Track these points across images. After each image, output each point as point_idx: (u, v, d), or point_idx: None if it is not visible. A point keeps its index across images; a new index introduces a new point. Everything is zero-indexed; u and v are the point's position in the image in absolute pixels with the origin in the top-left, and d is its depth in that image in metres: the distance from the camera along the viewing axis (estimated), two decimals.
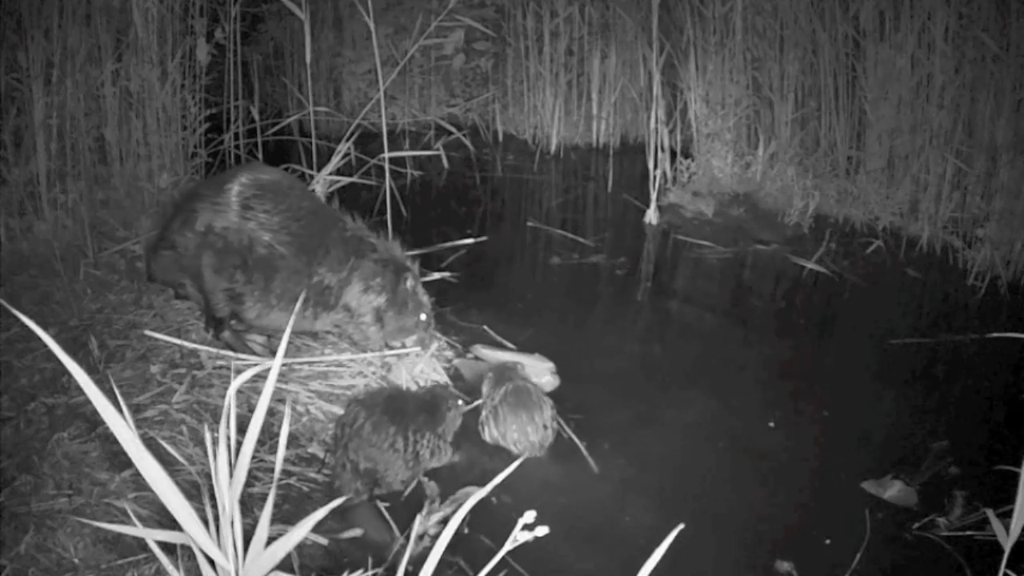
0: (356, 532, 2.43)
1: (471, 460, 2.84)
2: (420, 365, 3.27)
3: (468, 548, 2.37)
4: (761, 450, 2.94)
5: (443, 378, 3.28)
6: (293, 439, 2.80)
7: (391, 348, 3.37)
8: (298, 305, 3.05)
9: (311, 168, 4.45)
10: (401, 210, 4.38)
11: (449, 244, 4.48)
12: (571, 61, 6.38)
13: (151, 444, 2.44)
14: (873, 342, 3.78)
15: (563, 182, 6.02)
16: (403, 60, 5.02)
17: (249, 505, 2.43)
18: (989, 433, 3.08)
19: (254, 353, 3.23)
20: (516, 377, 2.96)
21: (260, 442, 2.65)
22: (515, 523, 1.38)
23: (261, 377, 2.84)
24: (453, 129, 5.73)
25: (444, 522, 2.43)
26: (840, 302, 4.22)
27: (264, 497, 2.46)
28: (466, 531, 2.43)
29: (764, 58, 5.20)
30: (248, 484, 2.49)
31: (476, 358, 3.41)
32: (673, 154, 5.32)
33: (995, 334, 3.44)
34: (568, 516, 2.53)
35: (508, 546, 1.36)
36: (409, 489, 2.64)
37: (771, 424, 3.06)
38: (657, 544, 1.24)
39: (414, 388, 3.14)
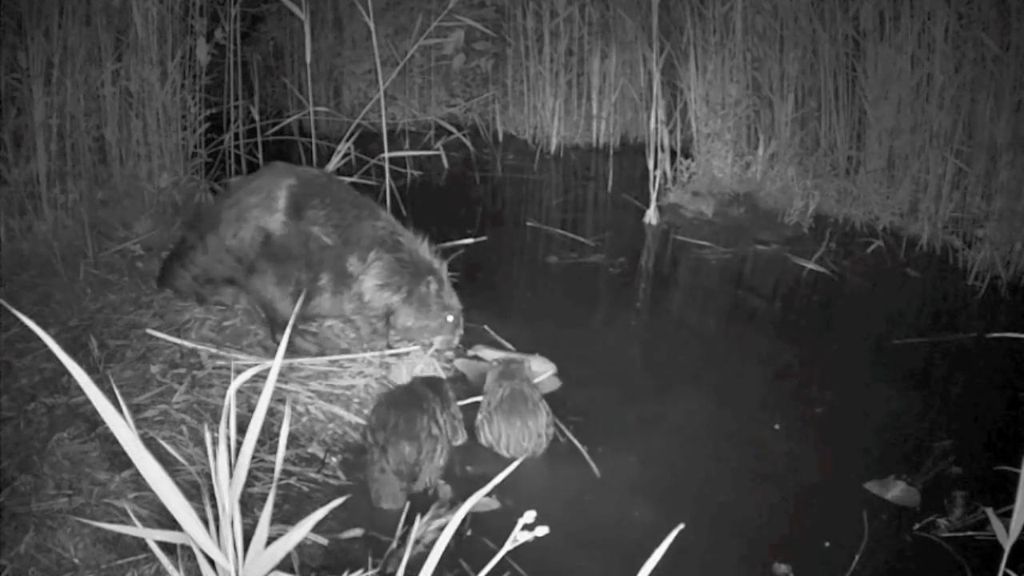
0: (356, 532, 2.43)
1: (475, 462, 2.84)
2: (420, 365, 3.27)
3: (469, 549, 2.38)
4: (762, 451, 2.93)
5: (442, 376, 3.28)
6: (293, 439, 2.80)
7: (391, 348, 3.37)
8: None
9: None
10: (401, 210, 4.38)
11: (449, 244, 4.48)
12: (571, 61, 6.38)
13: (151, 444, 2.44)
14: (873, 342, 3.78)
15: (563, 182, 6.02)
16: (403, 60, 5.02)
17: (249, 505, 2.43)
18: (991, 433, 3.08)
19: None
20: (518, 377, 2.95)
21: (260, 442, 2.65)
22: (516, 525, 1.38)
23: (261, 377, 2.83)
24: (453, 129, 5.73)
25: (442, 528, 2.42)
26: (840, 302, 4.22)
27: (264, 497, 2.46)
28: (468, 534, 2.43)
29: (764, 58, 5.20)
30: (248, 484, 2.48)
31: (477, 357, 3.41)
32: (673, 154, 5.32)
33: (995, 334, 3.44)
34: (568, 518, 2.52)
35: (508, 546, 1.36)
36: (433, 484, 2.65)
37: (776, 427, 3.06)
38: (657, 545, 1.24)
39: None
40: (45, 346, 1.15)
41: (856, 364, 3.59)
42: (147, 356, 3.07)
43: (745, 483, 2.78)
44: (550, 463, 2.84)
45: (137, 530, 1.28)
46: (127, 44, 4.21)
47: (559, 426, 2.96)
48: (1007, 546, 1.62)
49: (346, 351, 3.30)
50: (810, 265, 4.50)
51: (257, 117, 4.68)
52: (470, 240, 4.58)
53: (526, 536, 1.37)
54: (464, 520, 2.41)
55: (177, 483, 1.19)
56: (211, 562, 1.25)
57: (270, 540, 1.24)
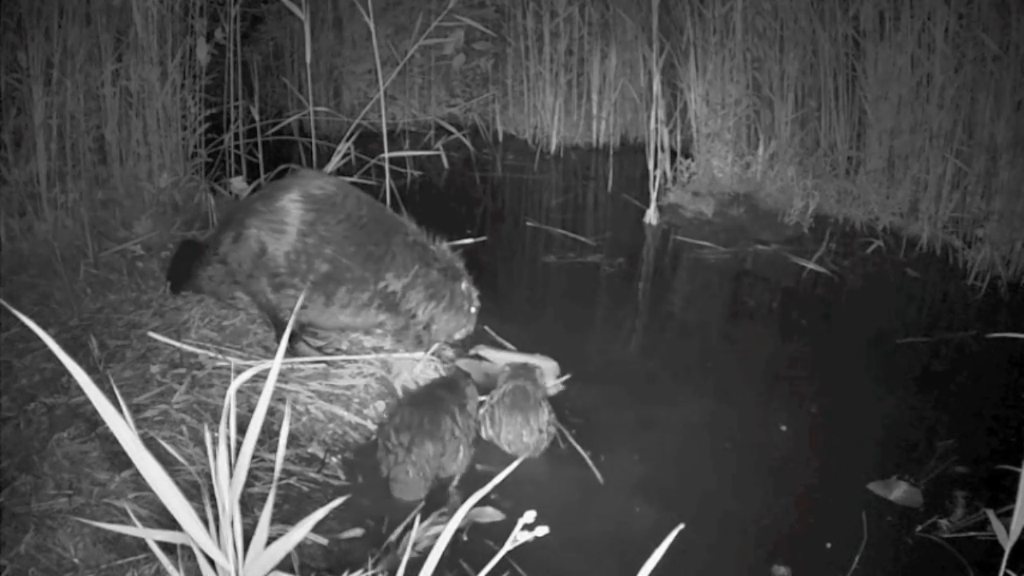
0: (356, 532, 2.43)
1: (480, 462, 2.84)
2: (419, 365, 3.27)
3: (469, 549, 2.38)
4: (763, 451, 2.93)
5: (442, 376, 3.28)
6: (293, 439, 2.80)
7: (392, 348, 3.37)
8: (363, 305, 3.16)
9: (311, 168, 4.44)
10: (401, 210, 4.37)
11: (449, 244, 4.48)
12: (571, 61, 6.38)
13: (151, 444, 2.44)
14: (873, 342, 3.78)
15: (563, 182, 6.02)
16: (403, 60, 5.02)
17: (249, 505, 2.43)
18: (992, 433, 3.08)
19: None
20: (527, 379, 2.97)
21: (260, 442, 2.65)
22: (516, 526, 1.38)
23: (261, 377, 2.84)
24: (453, 129, 5.73)
25: (437, 536, 2.42)
26: (840, 302, 4.22)
27: (264, 497, 2.46)
28: (465, 539, 2.42)
29: (764, 58, 5.20)
30: (248, 484, 2.48)
31: (479, 357, 3.42)
32: (673, 154, 5.32)
33: (995, 334, 3.44)
34: (569, 519, 2.52)
35: (508, 546, 1.35)
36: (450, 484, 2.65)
37: (783, 428, 3.05)
38: (657, 546, 1.24)
39: (413, 386, 3.15)
40: (45, 346, 1.15)
41: (856, 364, 3.59)
42: (147, 356, 3.07)
43: (746, 483, 2.77)
44: (552, 466, 2.83)
45: (137, 530, 1.28)
46: (127, 44, 4.20)
47: (561, 430, 2.96)
48: (1007, 546, 1.62)
49: (345, 352, 3.31)
50: (810, 265, 4.50)
51: (257, 117, 4.68)
52: (470, 240, 4.57)
53: (526, 536, 1.37)
54: (462, 528, 2.42)
55: (177, 483, 1.19)
56: (211, 562, 1.25)
57: (270, 540, 1.24)
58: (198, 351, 3.12)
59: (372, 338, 3.43)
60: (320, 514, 1.22)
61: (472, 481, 2.71)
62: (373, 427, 2.98)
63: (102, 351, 3.02)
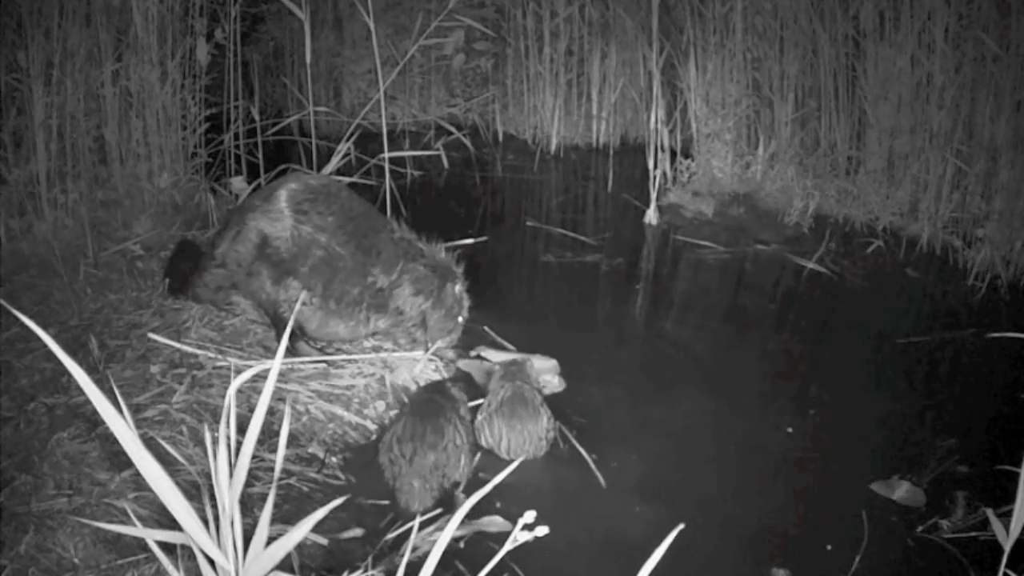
0: (356, 532, 2.43)
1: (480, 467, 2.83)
2: (419, 365, 3.27)
3: (469, 550, 2.37)
4: (763, 451, 2.93)
5: (442, 377, 3.28)
6: (293, 439, 2.80)
7: (393, 348, 3.37)
8: (354, 310, 3.16)
9: (311, 168, 4.45)
10: (401, 210, 4.38)
11: (449, 244, 4.48)
12: (571, 61, 6.38)
13: (151, 444, 2.44)
14: (873, 342, 3.78)
15: (563, 182, 6.02)
16: (403, 60, 5.02)
17: (249, 505, 2.43)
18: (993, 433, 3.08)
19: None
20: (520, 377, 2.95)
21: (260, 442, 2.65)
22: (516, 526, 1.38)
23: (261, 377, 2.84)
24: (453, 129, 5.72)
25: (434, 543, 2.41)
26: (840, 302, 4.21)
27: (264, 497, 2.46)
28: (461, 546, 2.42)
29: (764, 58, 5.20)
30: (248, 484, 2.48)
31: (480, 357, 3.41)
32: (673, 154, 5.32)
33: (995, 334, 3.44)
34: (569, 520, 2.52)
35: (508, 546, 1.36)
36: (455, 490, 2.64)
37: (789, 430, 3.05)
38: (657, 546, 1.24)
39: (412, 386, 3.15)
40: (45, 346, 1.15)
41: (856, 364, 3.59)
42: (147, 356, 3.07)
43: (746, 483, 2.77)
44: (554, 467, 2.83)
45: (137, 530, 1.28)
46: (127, 44, 4.20)
47: (563, 431, 2.96)
48: (1007, 546, 1.62)
49: (345, 352, 3.31)
50: (810, 265, 4.50)
51: (257, 117, 4.68)
52: (470, 240, 4.57)
53: (526, 536, 1.37)
54: (462, 537, 2.42)
55: (177, 483, 1.19)
56: (211, 562, 1.25)
57: (270, 540, 1.24)
58: (198, 351, 3.12)
59: (372, 338, 3.43)
60: (320, 514, 1.22)
61: (476, 487, 2.70)
62: (373, 427, 2.98)
63: (102, 351, 3.02)
